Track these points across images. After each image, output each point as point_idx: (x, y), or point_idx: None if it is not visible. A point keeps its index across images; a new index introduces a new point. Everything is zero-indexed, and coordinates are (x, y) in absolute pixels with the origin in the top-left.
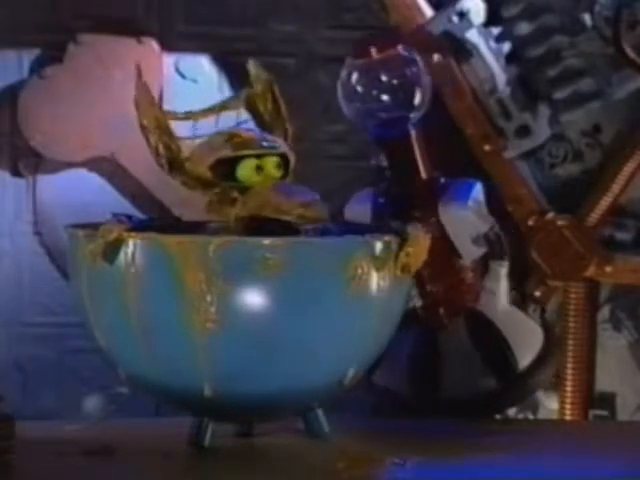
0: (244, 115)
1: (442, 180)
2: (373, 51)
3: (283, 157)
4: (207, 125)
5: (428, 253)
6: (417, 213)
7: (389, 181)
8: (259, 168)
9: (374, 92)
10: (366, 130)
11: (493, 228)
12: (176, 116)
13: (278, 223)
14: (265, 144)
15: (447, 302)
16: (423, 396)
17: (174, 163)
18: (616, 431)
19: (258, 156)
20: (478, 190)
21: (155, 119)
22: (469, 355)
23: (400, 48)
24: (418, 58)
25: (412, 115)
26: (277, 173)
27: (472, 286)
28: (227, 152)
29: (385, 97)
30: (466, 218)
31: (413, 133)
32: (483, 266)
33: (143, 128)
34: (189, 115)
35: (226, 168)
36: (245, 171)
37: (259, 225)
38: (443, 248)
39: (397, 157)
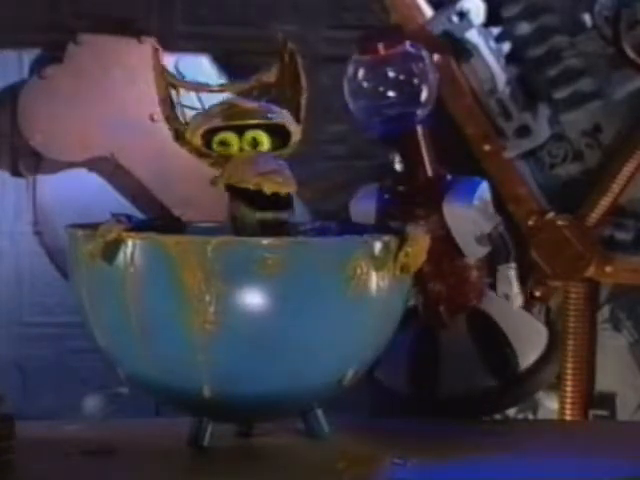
0: None
1: (448, 178)
2: (380, 47)
3: (283, 129)
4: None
5: (431, 251)
6: (421, 211)
7: (394, 178)
8: (222, 144)
9: (381, 88)
10: (371, 127)
11: (497, 228)
12: (211, 89)
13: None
14: (270, 115)
15: (449, 300)
16: (423, 395)
17: (178, 132)
18: (616, 431)
19: (242, 128)
20: (484, 189)
21: (163, 89)
22: (469, 354)
23: (407, 44)
24: (425, 54)
25: (419, 112)
26: (249, 148)
27: (475, 285)
28: (217, 122)
29: (392, 93)
30: (469, 217)
31: (419, 129)
32: (487, 265)
33: (160, 101)
34: (223, 87)
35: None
36: (215, 145)
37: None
38: (446, 246)
39: (403, 154)
